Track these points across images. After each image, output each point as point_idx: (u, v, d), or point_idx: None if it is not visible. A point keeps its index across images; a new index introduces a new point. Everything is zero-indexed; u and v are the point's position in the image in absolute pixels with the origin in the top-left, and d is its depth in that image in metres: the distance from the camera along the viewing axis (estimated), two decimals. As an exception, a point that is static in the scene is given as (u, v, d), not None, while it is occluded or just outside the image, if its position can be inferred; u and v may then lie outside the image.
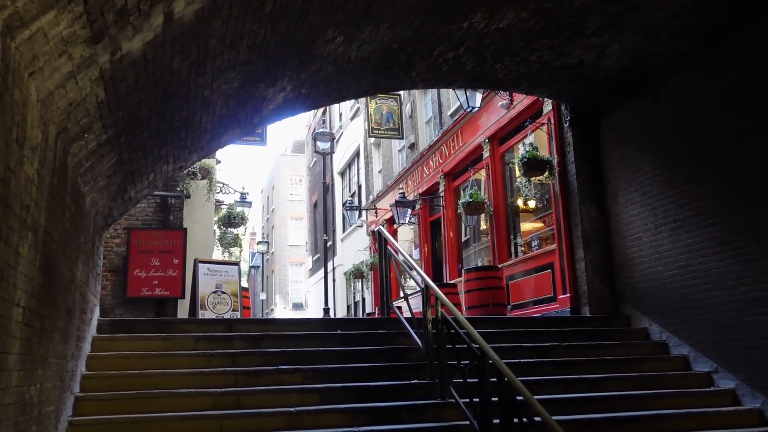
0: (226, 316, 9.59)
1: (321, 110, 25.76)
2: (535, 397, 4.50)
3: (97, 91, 3.90)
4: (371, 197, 19.69)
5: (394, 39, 6.51)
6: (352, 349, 6.60)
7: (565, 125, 9.08)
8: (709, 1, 6.31)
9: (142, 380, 5.57)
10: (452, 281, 12.33)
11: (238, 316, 9.80)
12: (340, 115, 24.65)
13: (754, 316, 6.33)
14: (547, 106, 9.59)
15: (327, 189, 19.79)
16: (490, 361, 4.86)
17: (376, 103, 15.80)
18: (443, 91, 14.18)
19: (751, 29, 6.39)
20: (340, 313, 22.14)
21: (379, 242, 8.13)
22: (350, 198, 21.58)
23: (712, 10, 6.42)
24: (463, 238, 13.63)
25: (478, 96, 10.33)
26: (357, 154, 22.02)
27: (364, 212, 19.25)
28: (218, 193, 12.99)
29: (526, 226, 11.04)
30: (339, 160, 23.37)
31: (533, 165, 9.01)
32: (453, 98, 13.53)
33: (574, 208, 8.77)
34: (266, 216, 47.47)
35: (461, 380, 5.38)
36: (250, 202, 13.35)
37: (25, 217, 3.30)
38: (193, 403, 5.33)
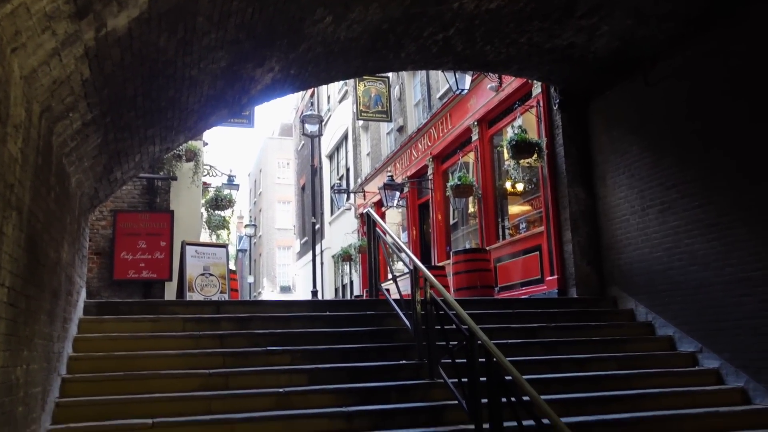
0: (214, 299, 9.56)
1: (309, 93, 25.61)
2: (523, 377, 4.53)
3: (81, 68, 3.84)
4: (359, 180, 19.65)
5: (383, 19, 6.45)
6: (341, 330, 6.61)
7: (554, 108, 9.08)
8: (698, -18, 6.30)
9: (129, 361, 5.55)
10: (440, 263, 12.36)
11: (226, 299, 9.77)
12: (328, 97, 24.51)
13: (739, 296, 6.40)
14: (536, 88, 9.57)
15: (315, 172, 19.70)
16: (479, 342, 4.87)
17: (365, 86, 15.71)
18: (432, 73, 14.12)
19: (740, 12, 6.39)
20: (328, 295, 22.18)
21: (368, 224, 8.13)
22: (338, 181, 21.53)
23: (701, -7, 6.42)
24: (452, 221, 13.65)
25: (468, 78, 10.29)
26: (345, 137, 21.93)
27: (352, 195, 19.22)
28: (205, 175, 12.90)
29: (514, 208, 11.07)
30: (327, 143, 23.27)
31: (522, 147, 9.01)
32: (442, 81, 13.48)
33: (562, 191, 8.79)
34: (253, 199, 47.30)
35: (450, 361, 5.41)
36: (238, 185, 13.28)
37: (9, 196, 3.25)
38: (181, 384, 5.33)
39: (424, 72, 14.58)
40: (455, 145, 12.81)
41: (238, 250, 42.88)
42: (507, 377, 4.61)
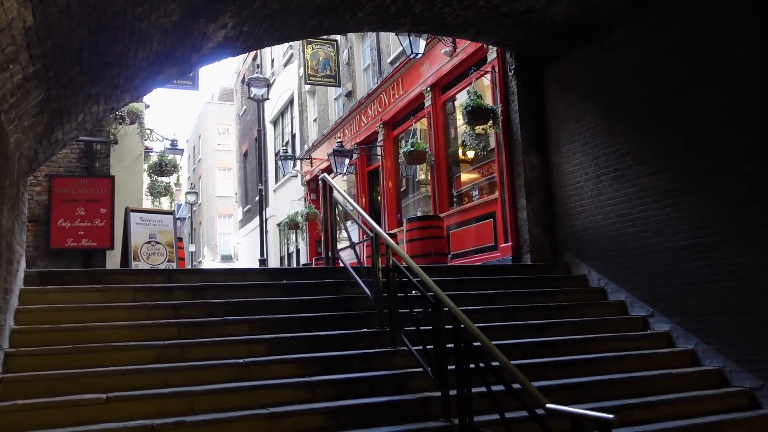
0: (162, 267, 9.20)
1: (251, 56, 24.85)
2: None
3: (24, 14, 3.48)
4: (306, 147, 19.29)
5: (343, -25, 6.19)
6: (299, 299, 6.45)
7: (510, 74, 9.02)
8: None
9: (78, 334, 5.24)
10: (392, 231, 12.28)
11: (174, 267, 9.42)
12: (272, 61, 23.86)
13: (690, 262, 6.56)
14: (492, 54, 9.48)
15: (258, 138, 19.16)
16: (446, 309, 4.81)
17: (313, 49, 15.29)
18: (383, 37, 13.85)
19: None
20: (273, 264, 21.85)
21: (324, 190, 7.93)
22: (284, 147, 21.08)
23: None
24: (402, 188, 13.56)
25: (422, 42, 10.10)
26: (291, 102, 21.43)
27: (298, 162, 18.86)
28: (145, 140, 12.32)
29: (468, 175, 11.05)
30: (271, 109, 22.69)
31: (477, 114, 8.95)
32: (393, 45, 13.25)
33: (517, 158, 8.79)
34: (192, 166, 46.05)
35: (413, 328, 5.34)
36: (182, 150, 12.77)
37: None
38: (135, 356, 5.08)
39: (374, 36, 14.29)
40: (407, 111, 12.66)
41: (176, 218, 41.79)
42: (474, 343, 4.58)
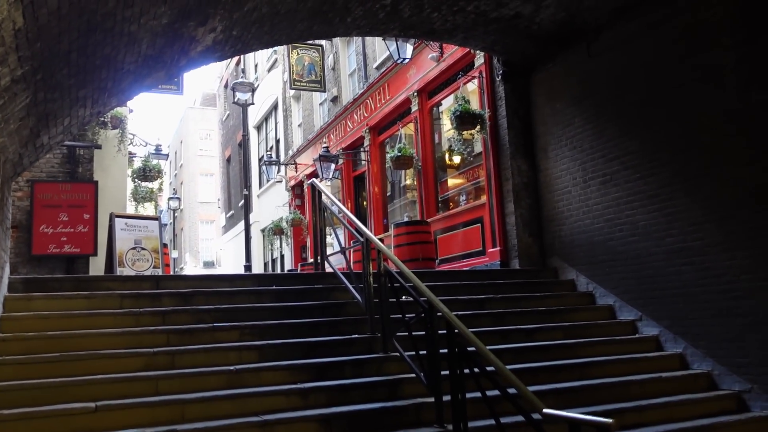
0: (147, 273, 9.08)
1: (235, 61, 24.74)
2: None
3: (14, 15, 3.41)
4: (291, 152, 19.21)
5: (333, -21, 6.17)
6: (289, 305, 6.39)
7: (497, 79, 9.04)
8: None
9: (64, 342, 5.13)
10: (378, 236, 12.23)
11: (160, 273, 9.30)
12: (256, 66, 23.76)
13: (679, 266, 6.60)
14: (479, 59, 9.51)
15: (242, 143, 19.02)
16: (439, 314, 4.79)
17: (298, 53, 15.24)
18: (369, 42, 13.85)
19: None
20: (257, 270, 21.68)
21: (313, 195, 7.88)
22: (268, 153, 20.97)
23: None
24: (388, 194, 13.54)
25: (409, 47, 10.11)
26: (275, 107, 21.34)
27: (283, 167, 18.76)
28: (129, 144, 12.18)
29: (455, 180, 11.06)
30: (255, 114, 22.57)
31: (465, 119, 8.96)
32: (379, 51, 13.25)
33: (505, 163, 8.81)
34: (174, 172, 45.68)
35: (406, 334, 5.31)
36: (167, 155, 12.66)
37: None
38: (123, 364, 4.98)
39: (359, 41, 14.28)
40: (393, 116, 12.65)
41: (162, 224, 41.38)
42: (468, 348, 4.56)
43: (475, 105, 9.33)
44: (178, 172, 44.77)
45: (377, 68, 13.35)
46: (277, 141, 21.08)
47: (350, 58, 15.51)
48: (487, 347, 5.59)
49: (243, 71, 16.65)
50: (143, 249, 9.42)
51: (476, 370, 4.48)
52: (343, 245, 7.35)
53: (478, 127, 9.07)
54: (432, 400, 4.85)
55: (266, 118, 22.53)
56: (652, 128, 6.93)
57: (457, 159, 10.78)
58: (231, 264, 26.15)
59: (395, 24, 7.80)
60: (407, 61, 10.38)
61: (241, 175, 20.95)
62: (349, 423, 4.74)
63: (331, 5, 6.86)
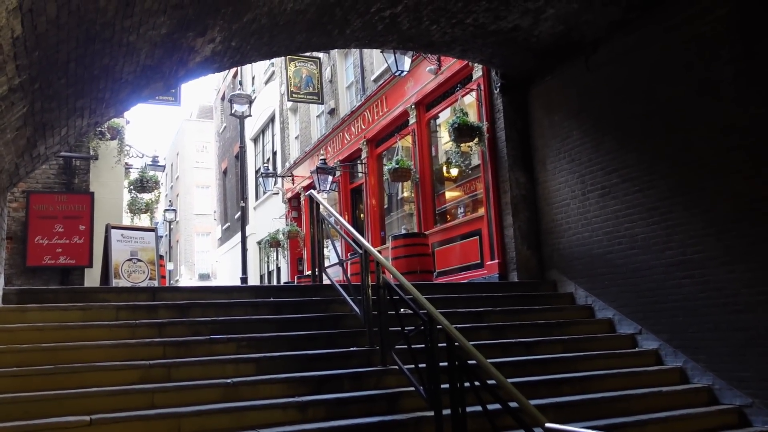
0: (143, 285, 9.01)
1: (232, 74, 24.79)
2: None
3: (13, 24, 3.38)
4: (288, 164, 19.19)
5: (333, -9, 6.18)
6: (287, 317, 6.33)
7: (496, 91, 9.06)
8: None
9: (59, 354, 5.07)
10: (375, 249, 12.19)
11: (156, 285, 9.23)
12: (253, 78, 23.80)
13: (678, 279, 6.57)
14: (477, 71, 9.53)
15: (239, 155, 19.01)
16: (439, 327, 4.74)
17: (296, 66, 15.26)
18: (366, 55, 13.87)
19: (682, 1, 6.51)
20: (253, 283, 21.60)
21: (311, 207, 7.84)
22: (265, 165, 20.95)
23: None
24: (385, 206, 13.52)
25: (407, 60, 10.12)
26: (272, 119, 21.34)
27: (279, 180, 18.73)
28: (126, 156, 12.15)
29: (453, 193, 11.04)
30: (252, 126, 22.57)
31: (464, 131, 8.95)
32: (377, 63, 13.27)
33: (503, 175, 8.80)
34: (170, 184, 45.61)
35: (405, 346, 5.25)
36: (163, 166, 12.60)
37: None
38: (119, 377, 4.91)
39: (357, 53, 14.31)
40: (391, 129, 12.65)
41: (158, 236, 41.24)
42: (469, 361, 4.51)
43: (473, 117, 9.33)
44: (174, 184, 44.71)
45: (375, 81, 13.36)
46: (274, 153, 21.07)
47: (348, 70, 15.54)
48: (488, 361, 5.60)
49: (240, 83, 16.67)
50: (139, 261, 9.36)
51: (477, 383, 4.43)
52: (340, 257, 7.29)
53: (476, 139, 9.07)
54: (432, 414, 4.78)
55: (263, 131, 22.53)
56: (650, 141, 6.93)
57: (454, 171, 10.77)
58: (227, 276, 26.03)
59: (394, 36, 7.81)
60: (405, 73, 10.39)
61: (237, 187, 20.92)
62: (347, 437, 4.68)
63: (331, 17, 6.87)
